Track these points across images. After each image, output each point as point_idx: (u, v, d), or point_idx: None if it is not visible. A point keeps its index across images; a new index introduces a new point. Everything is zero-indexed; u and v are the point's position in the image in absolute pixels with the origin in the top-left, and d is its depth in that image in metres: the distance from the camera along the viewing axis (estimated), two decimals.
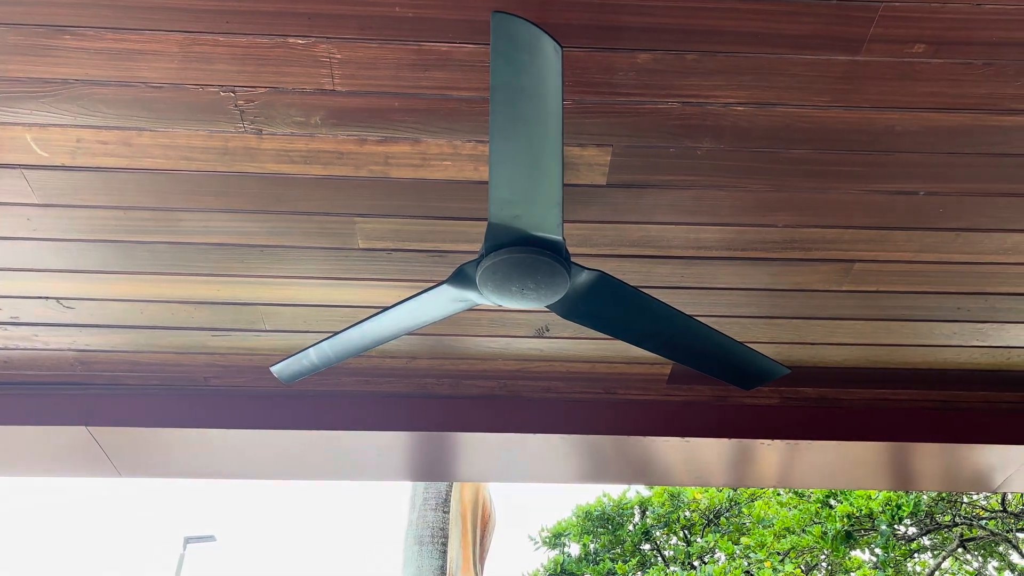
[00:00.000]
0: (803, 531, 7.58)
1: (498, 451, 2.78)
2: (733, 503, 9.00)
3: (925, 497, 7.06)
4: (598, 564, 8.87)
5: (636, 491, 9.46)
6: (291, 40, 1.65)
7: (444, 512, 5.91)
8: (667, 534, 9.30)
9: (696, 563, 8.76)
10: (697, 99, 1.77)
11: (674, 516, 9.10)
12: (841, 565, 8.02)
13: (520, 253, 1.63)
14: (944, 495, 7.10)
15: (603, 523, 9.26)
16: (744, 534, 8.50)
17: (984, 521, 7.32)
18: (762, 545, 7.78)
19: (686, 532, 9.28)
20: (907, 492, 6.71)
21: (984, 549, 8.02)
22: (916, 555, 8.06)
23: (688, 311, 2.07)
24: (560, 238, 1.62)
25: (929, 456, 2.80)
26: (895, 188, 1.99)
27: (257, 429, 2.61)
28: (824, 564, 8.35)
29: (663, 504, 9.13)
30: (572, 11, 1.59)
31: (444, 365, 2.62)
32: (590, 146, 1.87)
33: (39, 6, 1.58)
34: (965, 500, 7.35)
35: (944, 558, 7.82)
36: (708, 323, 2.01)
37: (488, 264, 1.66)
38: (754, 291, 2.31)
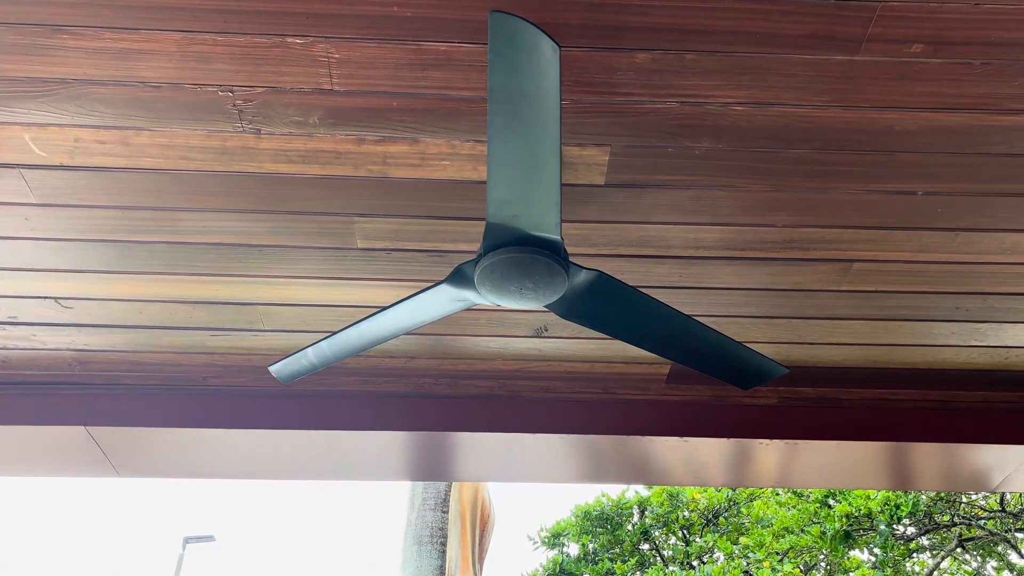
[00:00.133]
0: (802, 531, 7.58)
1: (497, 451, 2.78)
2: (732, 503, 9.00)
3: (924, 497, 7.06)
4: (597, 564, 8.88)
5: (635, 491, 9.47)
6: (289, 40, 1.65)
7: (443, 512, 5.91)
8: (666, 534, 9.30)
9: (695, 563, 8.76)
10: (696, 99, 1.77)
11: (673, 516, 9.10)
12: (840, 565, 8.02)
13: (518, 253, 1.63)
14: (943, 495, 7.11)
15: (602, 523, 9.26)
16: (743, 534, 8.50)
17: (983, 521, 7.32)
18: (761, 545, 7.79)
19: (685, 532, 9.28)
20: (906, 492, 6.71)
21: (983, 549, 8.02)
22: (915, 555, 8.07)
23: (687, 311, 2.07)
24: (558, 238, 1.62)
25: (928, 456, 2.80)
26: (894, 188, 1.99)
27: (256, 429, 2.60)
28: (823, 564, 8.35)
29: (662, 504, 9.13)
30: (571, 11, 1.59)
31: (443, 365, 2.62)
32: (589, 146, 1.87)
33: (37, 5, 1.58)
34: (964, 500, 7.36)
35: (943, 558, 7.82)
36: (707, 323, 2.01)
37: (486, 264, 1.66)
38: (753, 291, 2.31)
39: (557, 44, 1.25)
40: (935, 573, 7.98)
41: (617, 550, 9.12)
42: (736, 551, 8.14)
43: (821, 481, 3.11)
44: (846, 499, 7.06)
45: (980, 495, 7.34)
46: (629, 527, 9.25)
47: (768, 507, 8.34)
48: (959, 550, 8.04)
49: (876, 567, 7.57)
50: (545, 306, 1.79)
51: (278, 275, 2.25)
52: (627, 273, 2.23)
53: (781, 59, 1.69)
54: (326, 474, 2.97)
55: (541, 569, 9.36)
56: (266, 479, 3.04)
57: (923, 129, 1.84)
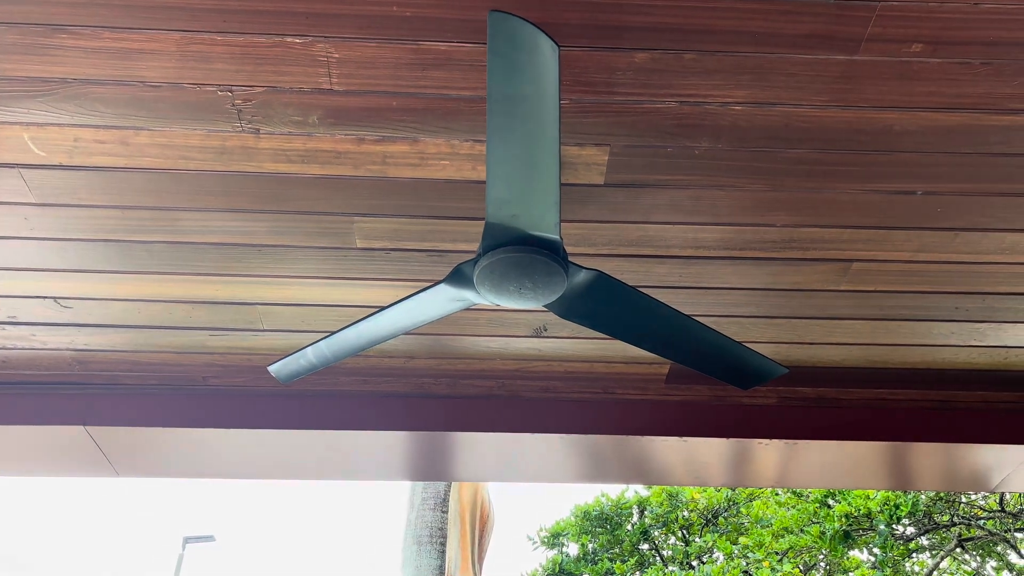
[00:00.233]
0: (801, 531, 7.59)
1: (496, 451, 2.78)
2: (731, 503, 9.01)
3: (923, 497, 7.06)
4: (596, 564, 8.88)
5: (634, 491, 9.47)
6: (289, 39, 1.65)
7: (443, 512, 5.91)
8: (665, 534, 9.30)
9: (694, 563, 8.76)
10: (695, 99, 1.77)
11: (672, 516, 9.10)
12: (839, 565, 8.02)
13: (517, 252, 1.63)
14: (942, 495, 7.11)
15: (601, 523, 9.26)
16: (742, 534, 8.50)
17: (982, 521, 7.33)
18: (760, 545, 7.79)
19: (684, 532, 9.29)
20: (905, 492, 6.71)
21: (982, 549, 8.03)
22: (914, 555, 8.07)
23: (686, 311, 2.07)
24: (558, 237, 1.62)
25: (927, 456, 2.80)
26: (893, 188, 1.99)
27: (255, 429, 2.60)
28: (822, 564, 8.36)
29: (661, 504, 9.13)
30: (570, 10, 1.59)
31: (442, 365, 2.62)
32: (588, 145, 1.87)
33: (37, 5, 1.58)
34: (963, 500, 7.36)
35: (942, 558, 7.83)
36: (706, 323, 2.01)
37: (485, 263, 1.66)
38: (752, 291, 2.31)
39: (556, 44, 1.25)
40: (934, 573, 7.98)
41: (616, 550, 9.13)
42: (735, 551, 8.15)
43: (820, 481, 3.11)
44: (845, 499, 7.06)
45: (979, 495, 7.34)
46: (628, 527, 9.26)
47: (767, 507, 8.34)
48: (958, 550, 8.04)
49: (875, 567, 7.57)
50: (544, 306, 1.79)
51: (278, 275, 2.25)
52: (626, 273, 2.23)
53: (780, 59, 1.69)
54: (326, 474, 2.97)
55: (540, 569, 9.37)
56: (266, 479, 3.04)
57: (922, 129, 1.84)
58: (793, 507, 7.98)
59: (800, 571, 7.98)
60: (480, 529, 5.42)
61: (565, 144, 1.85)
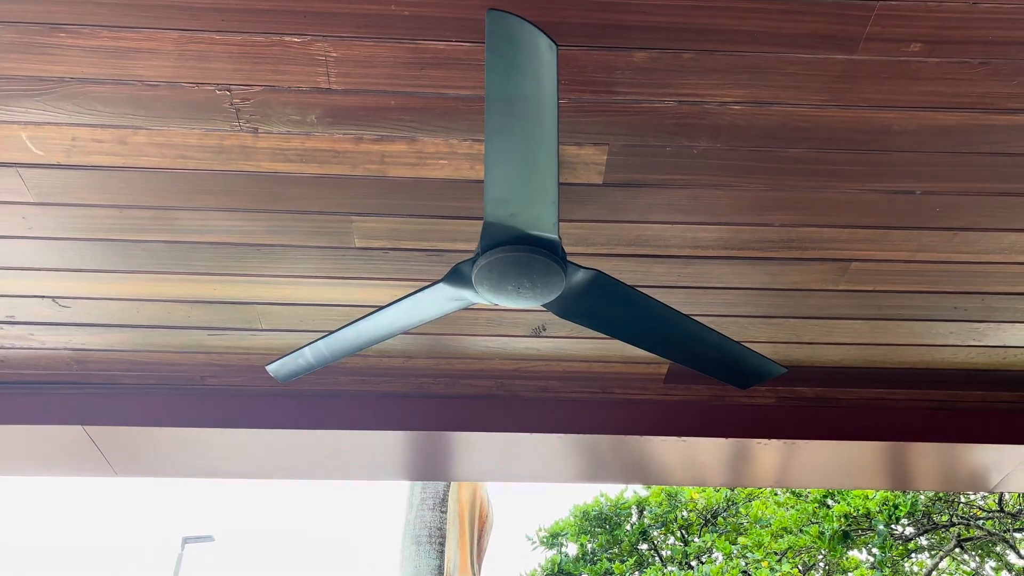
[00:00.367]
0: (800, 531, 7.59)
1: (495, 451, 2.78)
2: (730, 503, 9.01)
3: (922, 497, 7.06)
4: (595, 564, 8.88)
5: (633, 491, 9.47)
6: (287, 38, 1.64)
7: (442, 512, 5.91)
8: (664, 534, 9.31)
9: (693, 563, 8.76)
10: (694, 98, 1.77)
11: (671, 516, 9.10)
12: (838, 565, 8.02)
13: (516, 252, 1.62)
14: (941, 495, 7.11)
15: (600, 523, 9.26)
16: (741, 534, 8.51)
17: (981, 521, 7.33)
18: (759, 545, 7.79)
19: (683, 532, 9.29)
20: (904, 492, 6.71)
21: (981, 549, 8.03)
22: (913, 555, 8.07)
23: (685, 310, 2.07)
24: (556, 237, 1.62)
25: (926, 456, 2.80)
26: (892, 187, 1.99)
27: (254, 429, 2.60)
28: (821, 564, 8.36)
29: (660, 504, 9.14)
30: (569, 9, 1.59)
31: (441, 364, 2.62)
32: (587, 145, 1.87)
33: (35, 3, 1.57)
34: (962, 500, 7.36)
35: (941, 558, 7.83)
36: (705, 322, 2.01)
37: (484, 263, 1.66)
38: (751, 290, 2.31)
39: (555, 42, 1.25)
40: (933, 573, 7.98)
41: (615, 550, 9.13)
42: (734, 551, 8.15)
43: (819, 481, 3.11)
44: (844, 499, 7.07)
45: (978, 495, 7.34)
46: (627, 527, 9.26)
47: (766, 507, 8.35)
48: (957, 550, 8.04)
49: (874, 567, 7.57)
50: (543, 305, 1.79)
51: (276, 274, 2.25)
52: (625, 272, 2.23)
53: (779, 58, 1.69)
54: (324, 474, 2.97)
55: (539, 569, 9.37)
56: (264, 479, 3.03)
57: (921, 128, 1.83)
58: (792, 507, 7.98)
59: (799, 571, 7.98)
60: (479, 529, 5.42)
61: (564, 143, 1.84)
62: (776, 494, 8.47)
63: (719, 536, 8.56)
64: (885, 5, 1.59)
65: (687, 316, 1.88)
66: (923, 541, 7.92)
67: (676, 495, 9.17)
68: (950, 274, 2.24)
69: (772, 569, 7.47)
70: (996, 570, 8.10)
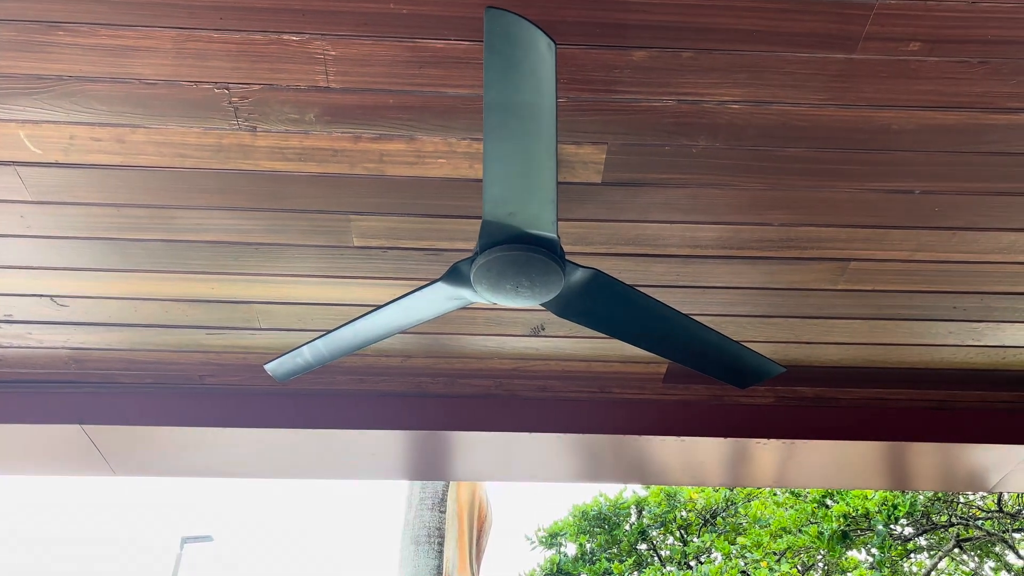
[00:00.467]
0: (799, 531, 7.59)
1: (494, 450, 2.78)
2: (729, 503, 9.01)
3: (921, 497, 7.06)
4: (594, 564, 8.88)
5: (632, 491, 9.47)
6: (285, 37, 1.64)
7: (440, 512, 5.90)
8: (663, 534, 9.31)
9: (692, 563, 8.76)
10: (693, 97, 1.76)
11: (670, 516, 9.10)
12: (837, 565, 8.03)
13: (515, 251, 1.62)
14: (940, 495, 7.11)
15: (599, 523, 9.26)
16: (740, 534, 8.51)
17: (980, 521, 7.33)
18: (758, 545, 7.79)
19: (682, 532, 9.29)
20: (903, 492, 6.72)
21: (980, 549, 8.03)
22: (912, 555, 8.07)
23: (684, 310, 2.07)
24: (555, 236, 1.62)
25: (925, 456, 2.80)
26: (891, 187, 1.99)
27: (252, 428, 2.60)
28: (820, 564, 8.36)
29: (659, 504, 9.13)
30: (568, 8, 1.59)
31: (439, 364, 2.62)
32: (585, 144, 1.87)
33: (33, 1, 1.57)
34: (961, 500, 7.37)
35: (940, 558, 7.83)
36: (704, 322, 2.01)
37: (482, 262, 1.65)
38: (750, 290, 2.31)
39: (554, 41, 1.25)
40: (932, 573, 7.98)
41: (615, 550, 9.13)
42: (733, 551, 8.15)
43: (818, 481, 3.11)
44: (843, 499, 7.07)
45: (978, 495, 7.34)
46: (627, 527, 9.26)
47: (766, 507, 8.35)
48: (956, 550, 8.04)
49: (873, 567, 7.57)
50: (542, 304, 1.78)
51: (274, 273, 2.24)
52: (624, 272, 2.23)
53: (778, 57, 1.68)
54: (323, 473, 2.96)
55: (538, 569, 9.37)
56: (263, 478, 3.03)
57: (920, 128, 1.83)
58: (791, 507, 7.98)
59: (798, 571, 7.98)
60: (478, 529, 5.41)
61: (562, 142, 1.84)
62: (775, 494, 8.47)
63: (718, 536, 8.56)
64: (884, 4, 1.59)
65: (686, 315, 1.88)
66: (922, 541, 7.92)
67: (675, 495, 9.17)
68: (949, 274, 2.24)
69: (771, 569, 7.47)
70: (995, 570, 8.10)
